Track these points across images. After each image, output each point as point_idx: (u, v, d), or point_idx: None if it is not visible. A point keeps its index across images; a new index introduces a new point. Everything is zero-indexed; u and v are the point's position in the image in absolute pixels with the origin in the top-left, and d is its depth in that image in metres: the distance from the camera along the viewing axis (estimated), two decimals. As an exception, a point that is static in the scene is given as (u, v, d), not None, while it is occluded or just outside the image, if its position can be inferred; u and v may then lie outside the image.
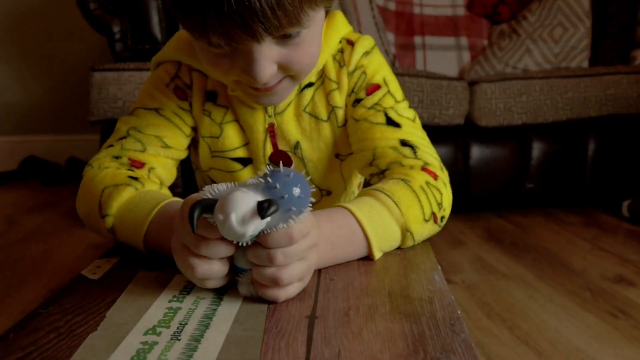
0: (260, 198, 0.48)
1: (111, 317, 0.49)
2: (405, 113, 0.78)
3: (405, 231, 0.65)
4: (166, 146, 0.77)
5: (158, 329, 0.46)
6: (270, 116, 0.79)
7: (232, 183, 0.51)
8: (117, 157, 0.75)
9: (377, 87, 0.79)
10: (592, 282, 1.27)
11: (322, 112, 0.80)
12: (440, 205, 0.69)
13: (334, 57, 0.80)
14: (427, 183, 0.68)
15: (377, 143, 0.75)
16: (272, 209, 0.46)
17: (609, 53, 2.01)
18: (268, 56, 0.61)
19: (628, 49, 2.02)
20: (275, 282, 0.49)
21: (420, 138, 0.76)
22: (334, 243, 0.60)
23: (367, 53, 0.80)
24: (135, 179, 0.70)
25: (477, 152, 1.70)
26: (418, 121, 0.79)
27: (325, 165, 0.84)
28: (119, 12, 1.68)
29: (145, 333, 0.46)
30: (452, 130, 1.68)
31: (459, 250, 1.50)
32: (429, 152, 0.74)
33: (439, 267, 0.61)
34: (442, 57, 2.00)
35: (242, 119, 0.79)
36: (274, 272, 0.49)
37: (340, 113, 0.80)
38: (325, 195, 0.88)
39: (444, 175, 0.73)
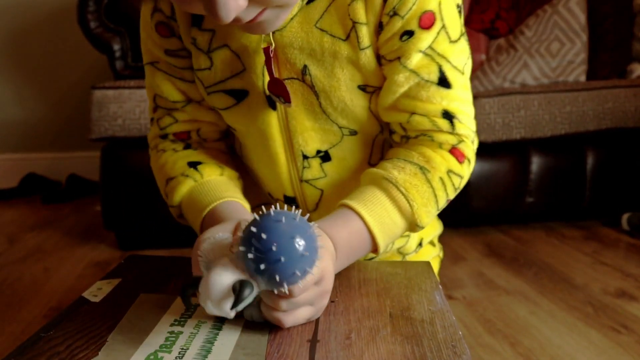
0: (240, 272, 0.46)
1: (112, 342, 0.48)
2: (460, 61, 0.65)
3: (413, 225, 0.64)
4: (185, 103, 0.73)
5: (160, 354, 0.46)
6: (267, 34, 0.62)
7: (223, 234, 0.50)
8: (163, 137, 0.76)
9: (431, 18, 0.61)
10: (593, 297, 1.27)
11: (339, 29, 0.62)
12: (457, 188, 0.67)
13: None
14: (449, 172, 0.64)
15: (419, 108, 0.64)
16: (245, 293, 0.44)
17: (605, 67, 2.02)
18: None
19: (624, 63, 2.03)
20: (279, 324, 0.49)
21: (463, 102, 0.66)
22: (349, 254, 0.60)
23: None
24: (195, 166, 0.71)
25: (476, 167, 1.68)
26: (469, 67, 0.67)
27: (345, 98, 0.66)
28: (119, 31, 1.70)
29: (147, 358, 0.45)
30: (451, 145, 1.68)
31: (459, 266, 1.50)
32: (467, 122, 0.66)
33: (440, 287, 0.61)
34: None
35: (234, 41, 0.65)
36: (278, 316, 0.49)
37: (363, 31, 0.62)
38: (347, 135, 0.70)
39: (470, 151, 0.67)
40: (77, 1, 1.70)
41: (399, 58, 0.63)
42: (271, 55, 0.63)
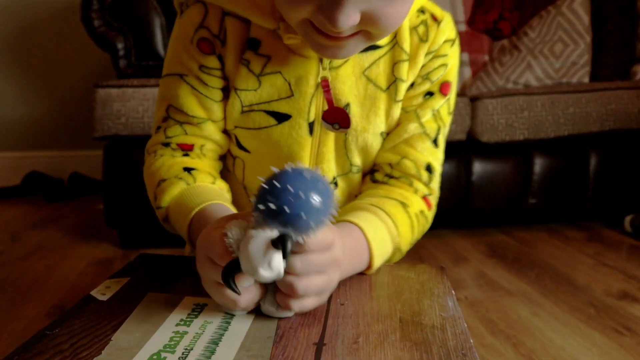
0: (270, 230, 0.47)
1: (117, 341, 0.48)
2: (447, 132, 0.78)
3: (396, 250, 0.68)
4: (204, 120, 0.73)
5: (163, 354, 0.46)
6: (325, 69, 0.69)
7: (239, 219, 0.50)
8: (165, 145, 0.75)
9: (448, 89, 0.75)
10: (596, 299, 1.27)
11: (383, 81, 0.72)
12: (422, 232, 0.74)
13: (413, 28, 0.72)
14: (421, 212, 0.73)
15: (410, 154, 0.74)
16: (288, 242, 0.46)
17: (609, 68, 2.02)
18: (356, 0, 0.53)
19: (628, 64, 2.03)
20: (291, 290, 0.49)
21: (440, 163, 0.77)
22: (352, 261, 0.61)
23: (452, 42, 0.74)
24: (189, 171, 0.71)
25: (479, 167, 1.71)
26: (445, 136, 0.79)
27: (367, 140, 0.75)
28: (122, 29, 1.70)
29: (150, 358, 0.45)
30: (454, 146, 1.68)
31: (462, 267, 1.50)
32: (437, 180, 0.77)
33: (453, 292, 0.60)
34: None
35: (289, 70, 0.70)
36: (290, 279, 0.49)
37: (402, 87, 0.73)
38: (354, 173, 0.79)
39: (435, 207, 0.77)
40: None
41: (416, 111, 0.74)
42: (329, 87, 0.70)
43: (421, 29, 0.72)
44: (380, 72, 0.72)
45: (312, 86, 0.70)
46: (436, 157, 0.76)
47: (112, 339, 0.49)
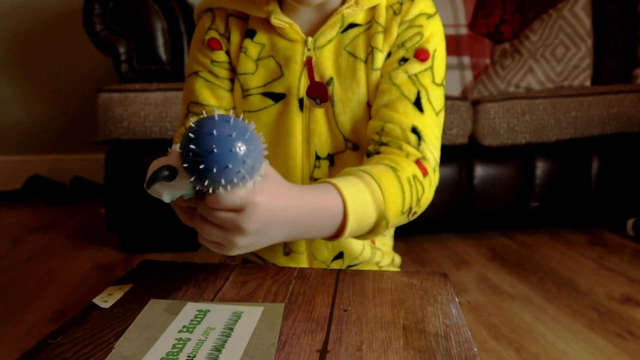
0: (172, 161, 0.50)
1: (119, 349, 0.48)
2: (435, 101, 0.77)
3: (381, 218, 0.65)
4: (217, 108, 0.80)
5: (167, 361, 0.46)
6: (309, 49, 0.77)
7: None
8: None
9: (426, 55, 0.77)
10: (598, 303, 1.27)
11: (361, 52, 0.77)
12: (419, 201, 0.71)
13: (389, 6, 0.78)
14: (415, 177, 0.70)
15: (393, 117, 0.74)
16: (156, 177, 0.49)
17: (611, 72, 2.02)
18: None
19: (630, 68, 2.03)
20: (195, 226, 0.55)
21: (432, 132, 0.76)
22: (314, 219, 0.61)
23: (429, 16, 0.78)
24: None
25: (481, 171, 1.71)
26: (442, 115, 0.78)
27: (355, 111, 0.79)
28: (124, 34, 1.70)
29: (154, 365, 0.45)
30: (456, 150, 1.68)
31: (464, 271, 1.49)
32: (432, 149, 0.75)
33: (457, 299, 0.60)
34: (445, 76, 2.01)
35: (279, 53, 0.78)
36: (198, 211, 0.54)
37: (379, 56, 0.77)
38: (351, 150, 0.81)
39: (434, 177, 0.74)
40: (82, 4, 1.71)
41: (389, 73, 0.76)
42: (313, 65, 0.77)
43: (396, 6, 0.78)
44: (359, 45, 0.77)
45: (299, 64, 0.77)
46: (423, 122, 0.75)
47: (114, 346, 0.49)
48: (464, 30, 2.08)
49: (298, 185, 0.67)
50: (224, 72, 0.81)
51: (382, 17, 0.77)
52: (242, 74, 0.80)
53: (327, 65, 0.78)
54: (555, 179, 1.74)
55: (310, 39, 0.77)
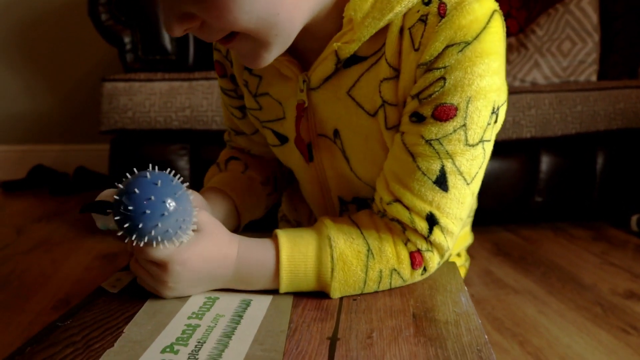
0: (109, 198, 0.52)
1: (129, 333, 0.48)
2: (468, 168, 0.55)
3: (326, 286, 0.56)
4: (238, 132, 0.81)
5: (176, 347, 0.46)
6: (302, 90, 0.60)
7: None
8: (227, 142, 0.86)
9: (448, 113, 0.53)
10: (602, 298, 1.26)
11: (368, 103, 0.58)
12: (393, 287, 0.59)
13: (406, 29, 0.53)
14: (393, 270, 0.57)
15: (405, 197, 0.56)
16: (88, 209, 0.52)
17: (617, 67, 2.01)
18: (172, 6, 0.47)
19: (636, 64, 2.02)
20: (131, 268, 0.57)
21: (455, 215, 0.57)
22: (246, 274, 0.56)
23: (463, 46, 0.51)
24: (228, 160, 0.81)
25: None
26: (479, 177, 0.57)
27: (377, 161, 0.62)
28: (130, 23, 1.69)
29: (163, 351, 0.45)
30: (460, 143, 1.68)
31: (467, 264, 1.49)
32: (449, 229, 0.57)
33: (466, 288, 0.60)
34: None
35: (275, 91, 0.65)
36: (133, 260, 0.56)
37: (392, 113, 0.57)
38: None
39: (433, 263, 0.59)
40: (87, -7, 1.70)
41: (402, 137, 0.56)
42: (303, 113, 0.63)
43: (416, 30, 0.52)
44: (364, 91, 0.58)
45: (294, 109, 0.63)
46: (445, 203, 0.56)
47: (124, 331, 0.49)
48: (469, 24, 2.07)
49: (238, 238, 0.57)
50: (232, 101, 0.75)
51: (392, 49, 0.54)
52: (249, 109, 0.72)
53: (327, 113, 0.61)
54: (560, 174, 1.74)
55: (301, 78, 0.60)
